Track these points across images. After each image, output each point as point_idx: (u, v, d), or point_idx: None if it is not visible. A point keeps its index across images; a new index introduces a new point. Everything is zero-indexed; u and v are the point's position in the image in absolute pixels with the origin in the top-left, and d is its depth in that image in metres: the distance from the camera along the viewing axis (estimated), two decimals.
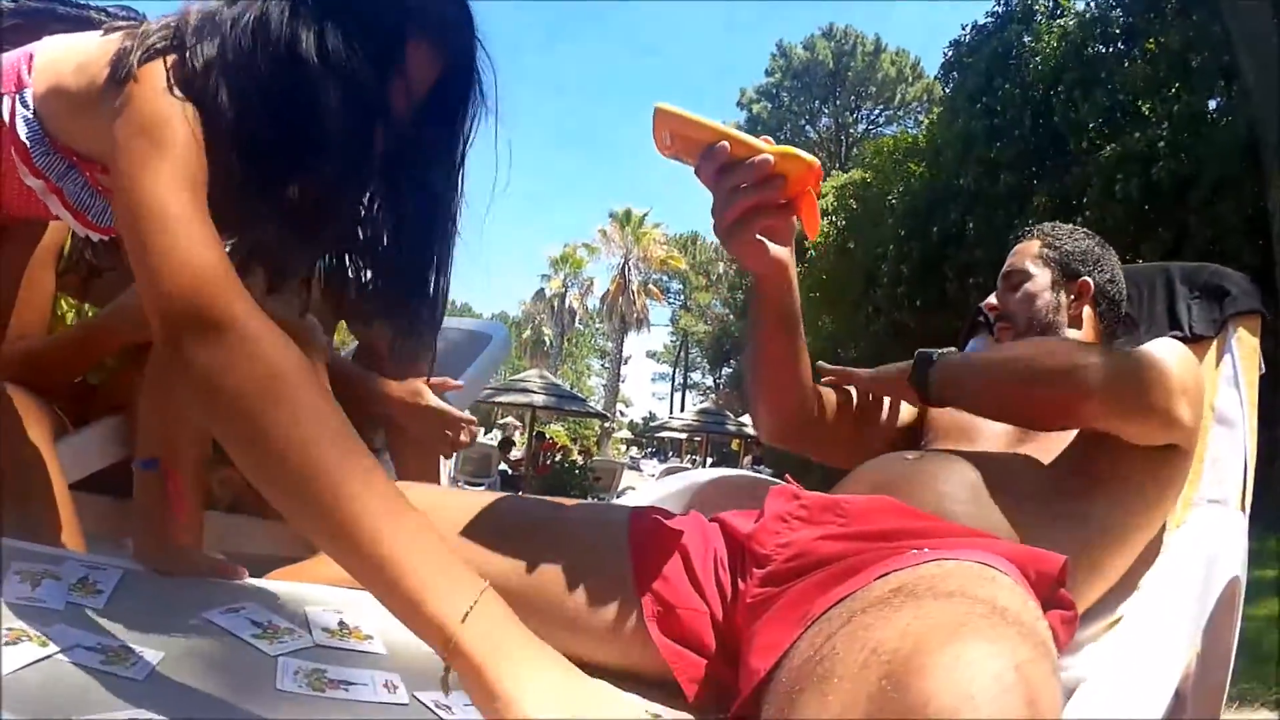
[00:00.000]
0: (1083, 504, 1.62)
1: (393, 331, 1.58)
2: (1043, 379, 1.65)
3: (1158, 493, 1.69)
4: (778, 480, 1.86)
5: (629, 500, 1.94)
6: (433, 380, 2.41)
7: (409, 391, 2.39)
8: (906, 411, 2.02)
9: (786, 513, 1.51)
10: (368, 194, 1.42)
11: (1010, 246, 2.22)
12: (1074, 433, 1.71)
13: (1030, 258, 2.12)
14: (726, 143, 1.37)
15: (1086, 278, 2.09)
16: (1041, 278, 2.08)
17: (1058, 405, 1.64)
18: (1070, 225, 2.21)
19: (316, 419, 1.02)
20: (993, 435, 1.81)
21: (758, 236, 1.50)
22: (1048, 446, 1.71)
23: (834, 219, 22.08)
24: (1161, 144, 14.19)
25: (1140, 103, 14.95)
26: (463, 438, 2.38)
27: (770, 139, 1.40)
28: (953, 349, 1.91)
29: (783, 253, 1.58)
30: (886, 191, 20.07)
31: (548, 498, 1.70)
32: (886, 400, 2.02)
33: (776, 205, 1.43)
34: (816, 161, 1.40)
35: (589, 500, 2.18)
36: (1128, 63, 15.69)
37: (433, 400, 2.39)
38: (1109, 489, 1.64)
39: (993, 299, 2.14)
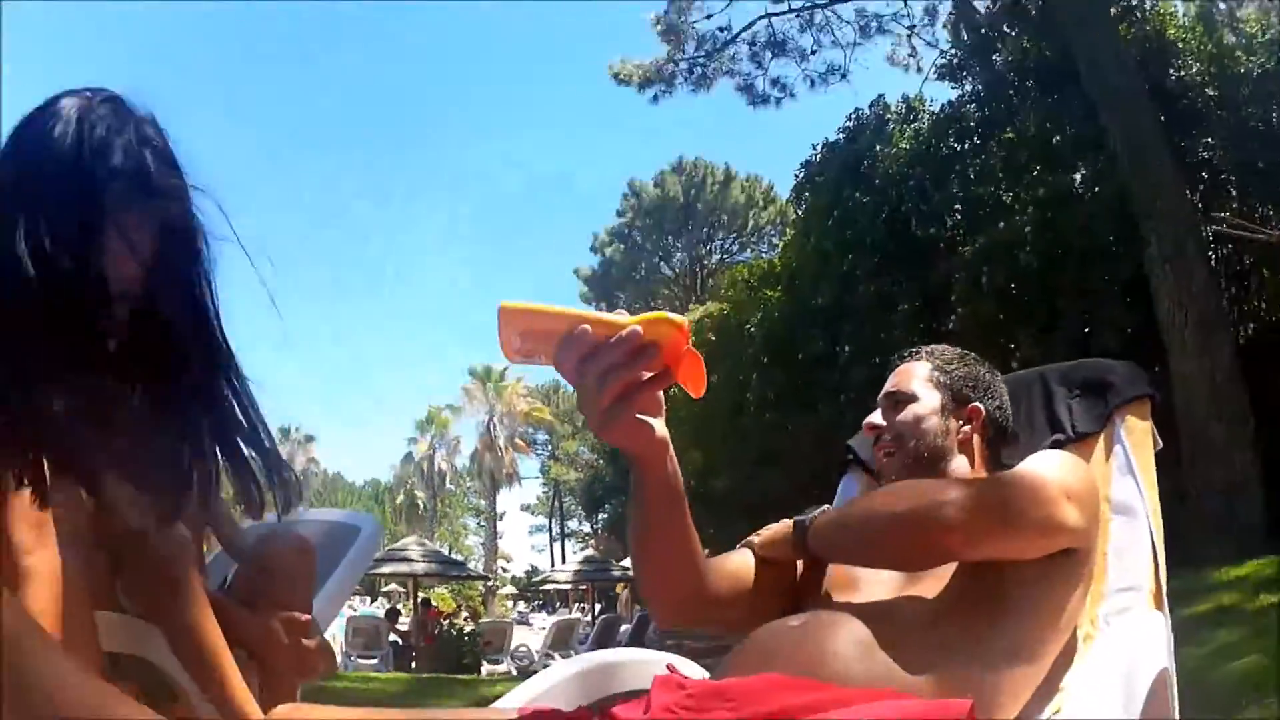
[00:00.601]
0: (981, 626, 1.60)
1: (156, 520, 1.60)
2: (908, 525, 1.64)
3: (1059, 597, 1.69)
4: (666, 655, 1.88)
5: (514, 697, 1.88)
6: (282, 616, 2.34)
7: (260, 626, 2.33)
8: (800, 567, 1.95)
9: (673, 703, 1.44)
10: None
11: (891, 365, 2.17)
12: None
13: (919, 380, 2.06)
14: (587, 325, 1.31)
15: (977, 404, 2.05)
16: (930, 400, 2.03)
17: (929, 548, 1.64)
18: (959, 350, 2.16)
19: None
20: (881, 581, 1.76)
21: (638, 416, 1.42)
22: (939, 576, 1.68)
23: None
24: (1026, 229, 14.33)
25: (1001, 193, 15.11)
26: (320, 666, 2.37)
27: (624, 311, 1.37)
28: (826, 507, 1.89)
29: (663, 428, 1.50)
30: (745, 320, 19.96)
31: (430, 713, 1.74)
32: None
33: (654, 377, 1.36)
34: (685, 320, 1.35)
35: (472, 708, 2.13)
36: (985, 155, 15.85)
37: (284, 638, 2.33)
38: (1006, 605, 1.63)
39: (876, 418, 2.05)
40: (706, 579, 1.77)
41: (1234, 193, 15.40)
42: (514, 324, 1.32)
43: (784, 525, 1.87)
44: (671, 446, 1.53)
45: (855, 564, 1.80)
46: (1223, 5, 20.34)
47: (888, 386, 2.08)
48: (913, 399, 2.01)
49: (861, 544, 1.73)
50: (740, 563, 1.89)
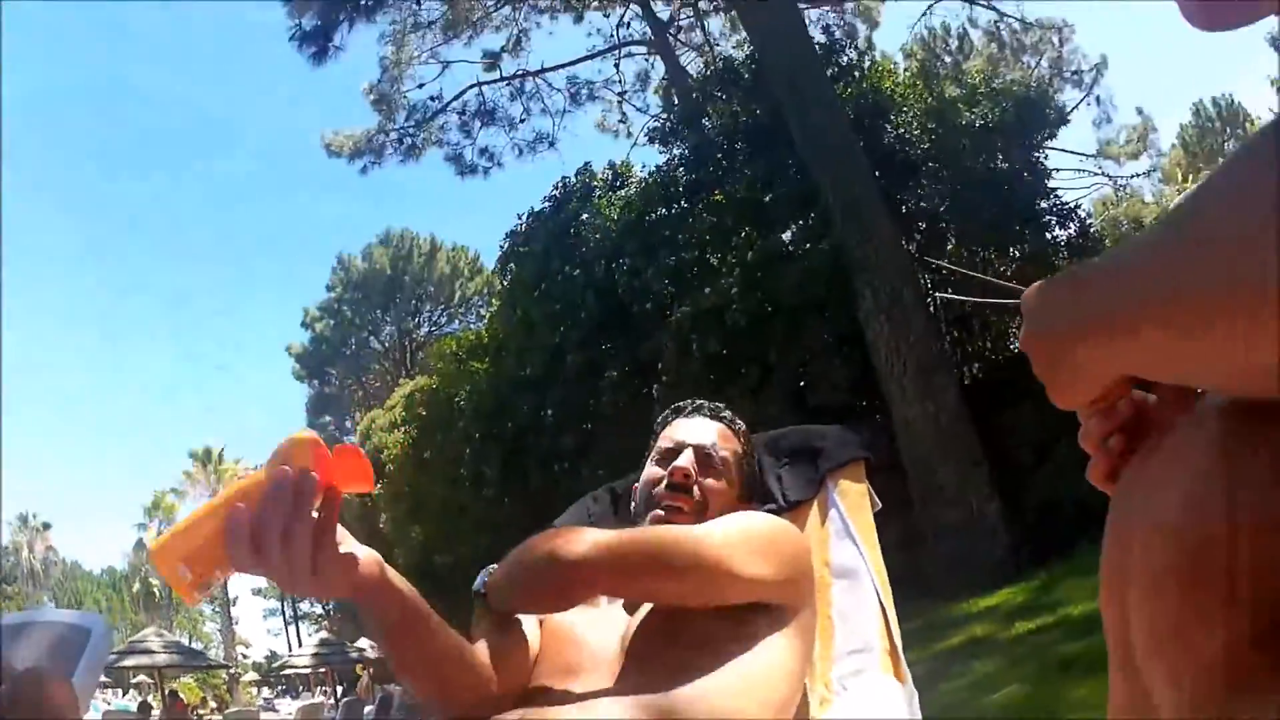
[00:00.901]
0: (700, 696, 1.59)
1: None
2: (545, 567, 1.68)
3: (777, 659, 1.71)
4: None
5: None
6: None
7: None
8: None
9: None
10: None
11: (686, 408, 2.22)
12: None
13: (732, 453, 2.12)
14: (239, 504, 1.22)
15: (754, 503, 2.12)
16: (732, 480, 2.07)
17: (563, 589, 1.69)
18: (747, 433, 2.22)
19: None
20: (603, 663, 1.75)
21: (341, 552, 1.33)
22: (658, 653, 1.68)
23: (407, 429, 21.46)
24: (734, 290, 14.16)
25: (709, 256, 14.91)
26: None
27: (251, 469, 1.31)
28: (493, 566, 1.84)
29: (366, 550, 1.40)
30: (455, 394, 19.39)
31: None
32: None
33: (325, 504, 1.29)
34: (309, 432, 1.30)
35: None
36: (693, 219, 15.63)
37: None
38: (721, 668, 1.62)
39: (688, 464, 2.02)
40: (486, 674, 1.66)
41: (953, 240, 15.76)
42: (171, 559, 1.22)
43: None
44: (383, 562, 1.44)
45: (526, 612, 1.80)
46: (947, 59, 20.99)
47: (704, 439, 2.09)
48: (725, 472, 2.07)
49: (520, 592, 1.74)
50: (515, 642, 1.78)
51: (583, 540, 1.64)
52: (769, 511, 2.19)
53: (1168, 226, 0.68)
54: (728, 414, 2.21)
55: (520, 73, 22.12)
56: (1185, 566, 0.66)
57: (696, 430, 2.13)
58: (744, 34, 17.58)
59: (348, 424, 42.09)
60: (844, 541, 2.25)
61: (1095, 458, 0.96)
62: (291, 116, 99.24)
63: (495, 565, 1.84)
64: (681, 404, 2.26)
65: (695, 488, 2.02)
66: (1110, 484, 0.92)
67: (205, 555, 1.22)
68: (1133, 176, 23.95)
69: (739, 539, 1.74)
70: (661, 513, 1.99)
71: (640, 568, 1.67)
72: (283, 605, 61.02)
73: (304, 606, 60.15)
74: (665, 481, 2.04)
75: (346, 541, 1.37)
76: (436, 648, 1.56)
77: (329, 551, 1.28)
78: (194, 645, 35.08)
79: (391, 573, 1.45)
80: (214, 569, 1.24)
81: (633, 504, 2.18)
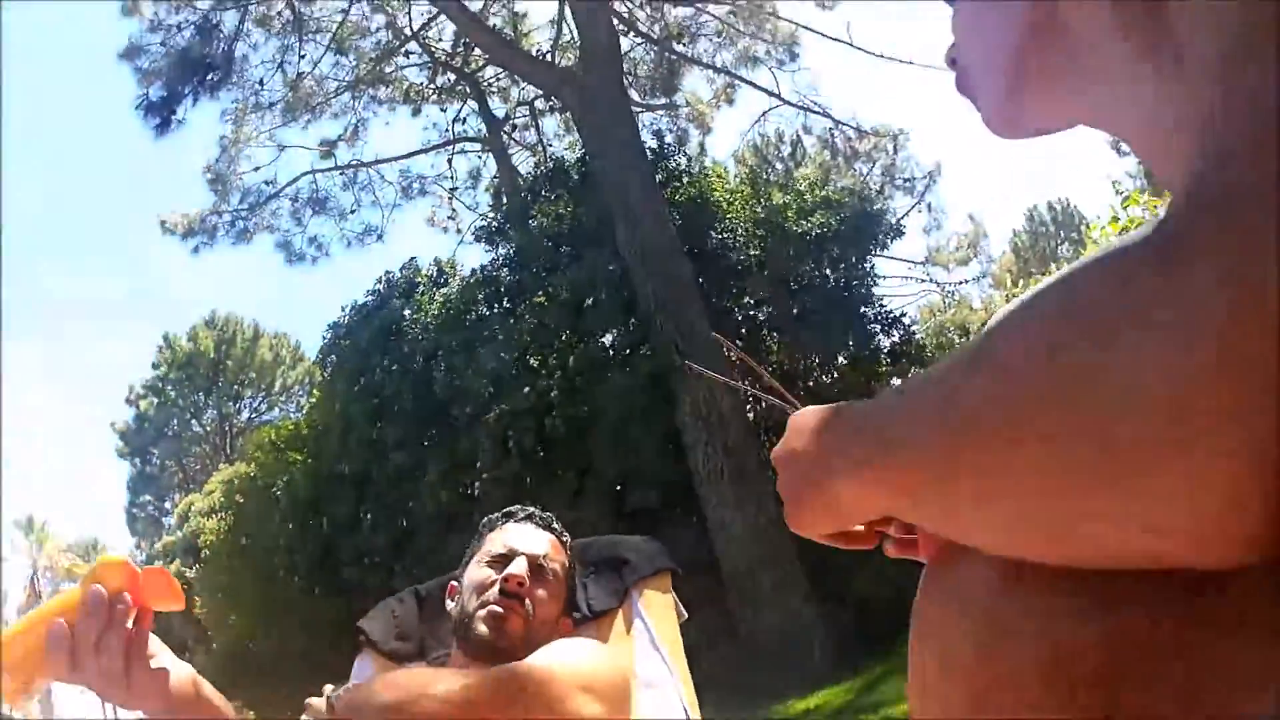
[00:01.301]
0: None
1: None
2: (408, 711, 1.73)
3: None
4: None
5: None
6: None
7: None
8: None
9: None
10: None
11: (519, 515, 2.25)
12: None
13: (562, 566, 2.18)
14: (60, 620, 1.32)
15: (569, 618, 2.19)
16: (560, 594, 2.14)
17: None
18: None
19: None
20: None
21: (154, 667, 1.40)
22: None
23: (223, 516, 20.92)
24: (554, 393, 14.14)
25: (529, 357, 14.80)
26: None
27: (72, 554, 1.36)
28: (337, 692, 1.84)
29: (180, 665, 1.48)
30: (271, 484, 18.90)
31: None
32: None
33: (137, 621, 1.38)
34: (120, 556, 1.39)
35: None
36: (514, 320, 15.55)
37: None
38: None
39: (522, 572, 2.08)
40: None
41: (776, 347, 15.80)
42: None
43: (317, 700, 1.84)
44: (200, 678, 1.51)
45: None
46: (779, 166, 21.34)
47: (537, 549, 2.16)
48: (556, 584, 2.15)
49: None
50: None
51: (436, 686, 1.75)
52: (575, 619, 2.30)
53: (955, 364, 0.65)
54: (557, 525, 2.29)
55: (355, 162, 21.94)
56: (976, 706, 0.65)
57: (529, 539, 2.19)
58: (577, 135, 17.66)
59: (167, 505, 40.99)
60: (649, 652, 2.27)
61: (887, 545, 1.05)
62: (133, 190, 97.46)
63: (346, 689, 1.86)
64: (513, 509, 2.30)
65: (526, 597, 2.06)
66: (912, 550, 1.03)
67: (27, 665, 1.32)
68: (961, 283, 24.40)
69: (573, 679, 1.81)
70: (499, 610, 2.03)
71: (487, 707, 1.74)
72: (103, 705, 59.74)
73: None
74: (498, 586, 2.07)
75: (161, 656, 1.44)
76: None
77: (141, 665, 1.37)
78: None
79: (208, 689, 1.51)
80: (35, 677, 1.34)
81: (451, 603, 2.20)
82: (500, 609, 2.03)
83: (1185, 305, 0.49)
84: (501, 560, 2.12)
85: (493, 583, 2.08)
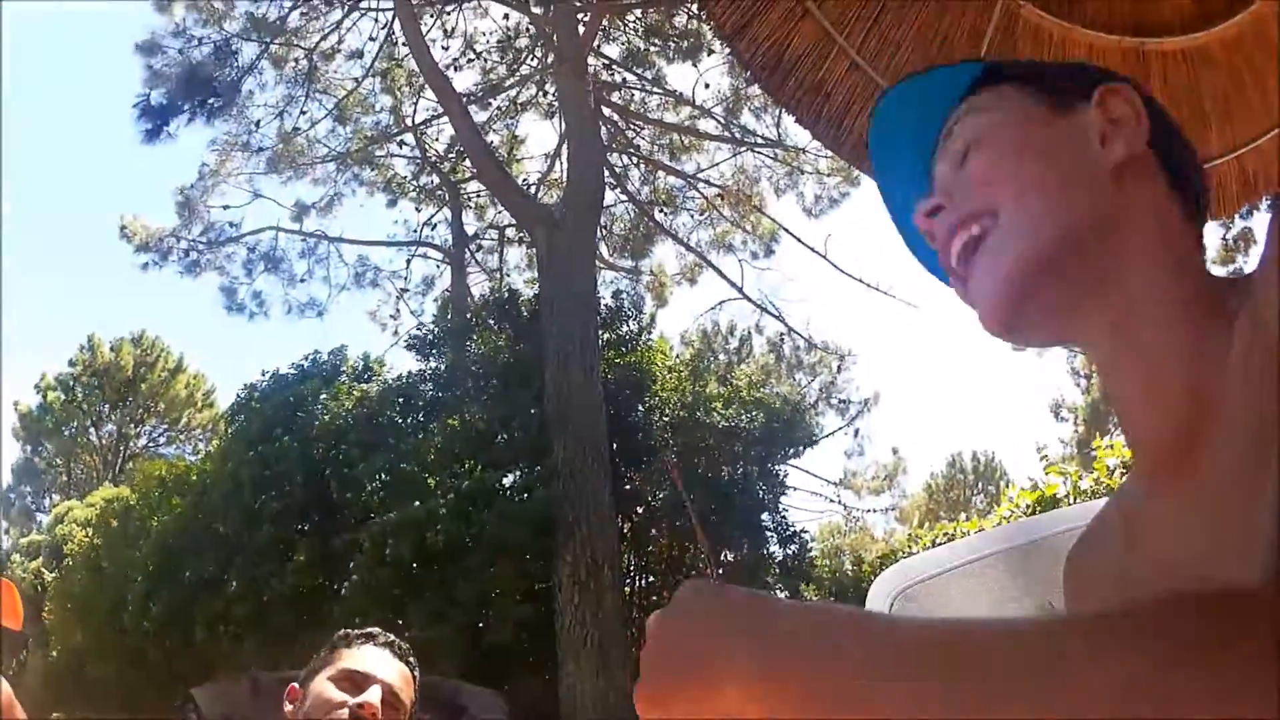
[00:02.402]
0: None
1: None
2: None
3: None
4: None
5: None
6: None
7: None
8: None
9: None
10: None
11: (377, 639, 2.20)
12: None
13: (408, 695, 2.13)
14: None
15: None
16: (408, 709, 2.10)
17: None
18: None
19: None
20: None
21: None
22: None
23: (95, 531, 20.65)
24: (442, 511, 14.01)
25: (426, 474, 14.75)
26: None
27: None
28: None
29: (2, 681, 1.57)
30: (148, 517, 18.65)
31: None
32: None
33: None
34: None
35: None
36: (422, 435, 15.54)
37: None
38: None
39: (375, 699, 2.01)
40: None
41: (667, 530, 15.81)
42: None
43: None
44: (16, 703, 1.60)
45: None
46: (722, 357, 21.52)
47: (393, 680, 2.10)
48: (404, 716, 2.09)
49: None
50: None
51: None
52: None
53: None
54: (413, 659, 2.21)
55: (319, 233, 22.06)
56: None
57: (386, 667, 2.12)
58: (537, 274, 17.84)
59: (44, 502, 39.90)
60: None
61: None
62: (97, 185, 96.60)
63: None
64: (373, 631, 2.22)
65: None
66: None
67: None
68: (869, 511, 24.39)
69: None
70: None
71: None
72: None
73: None
74: (348, 711, 2.00)
75: None
76: None
77: None
78: None
79: (19, 712, 1.60)
80: None
81: (289, 706, 2.11)
82: None
83: None
84: (354, 682, 2.06)
85: (343, 705, 2.01)
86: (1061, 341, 1.04)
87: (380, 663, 2.12)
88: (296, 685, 2.14)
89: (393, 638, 2.22)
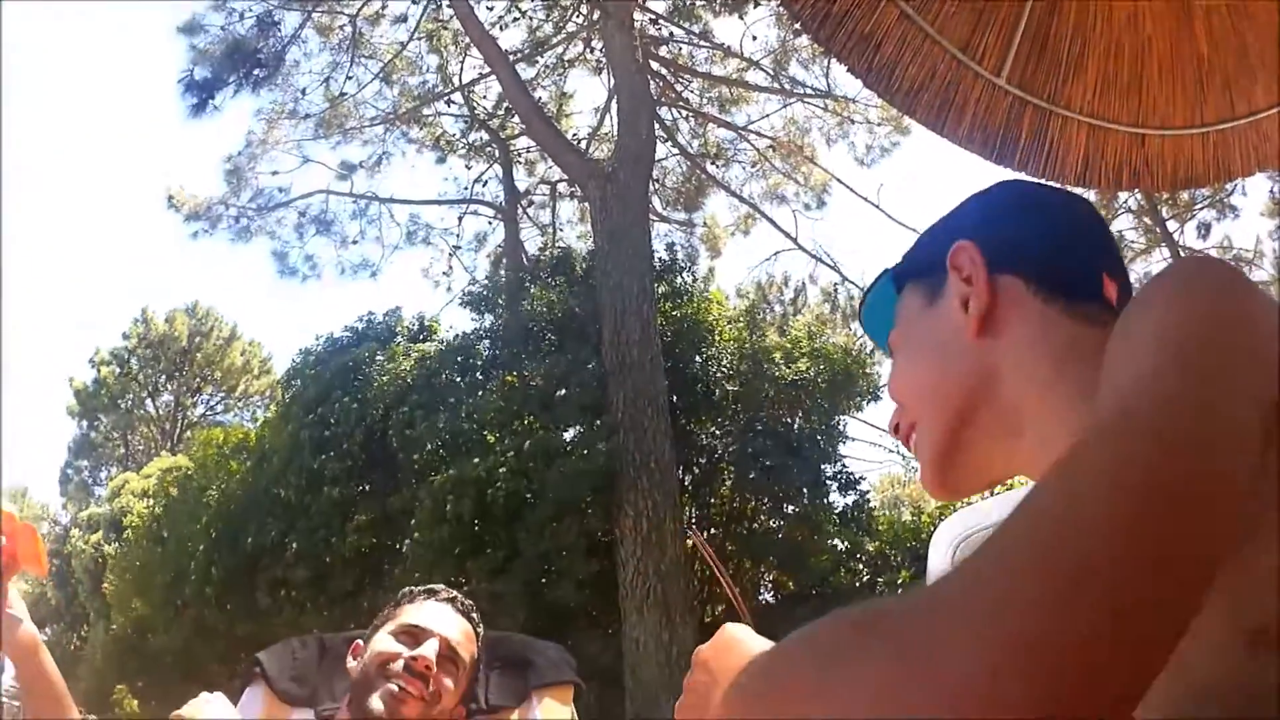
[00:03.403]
0: None
1: None
2: None
3: None
4: None
5: None
6: None
7: None
8: None
9: None
10: None
11: (438, 596, 2.22)
12: None
13: (470, 652, 2.15)
14: None
15: (463, 707, 2.15)
16: (463, 679, 2.10)
17: None
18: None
19: None
20: None
21: (8, 612, 1.56)
22: None
23: (154, 502, 20.68)
24: (502, 469, 14.03)
25: (486, 432, 14.75)
26: None
27: None
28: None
29: (30, 625, 1.60)
30: (207, 485, 18.73)
31: None
32: None
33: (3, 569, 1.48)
34: (9, 509, 1.48)
35: None
36: (481, 393, 15.50)
37: None
38: None
39: (431, 653, 2.03)
40: None
41: (729, 482, 15.77)
42: None
43: None
44: (44, 648, 1.63)
45: None
46: (777, 308, 21.41)
47: (452, 634, 2.11)
48: (463, 674, 2.11)
49: None
50: None
51: None
52: (470, 709, 2.29)
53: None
54: (475, 615, 2.23)
55: (369, 194, 21.97)
56: None
57: (445, 621, 2.14)
58: (590, 228, 17.74)
59: (102, 475, 40.39)
60: None
61: None
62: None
63: None
64: (435, 587, 2.25)
65: (431, 681, 2.02)
66: None
67: None
68: None
69: None
70: (394, 689, 1.99)
71: None
72: None
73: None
74: (404, 663, 2.03)
75: (16, 609, 1.58)
76: None
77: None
78: None
79: (48, 658, 1.64)
80: None
81: (353, 662, 2.16)
82: (400, 689, 2.00)
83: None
84: (413, 636, 2.09)
85: (398, 656, 2.04)
86: (1002, 482, 1.17)
87: (439, 617, 2.15)
88: (360, 643, 2.20)
89: (455, 594, 2.25)
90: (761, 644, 1.07)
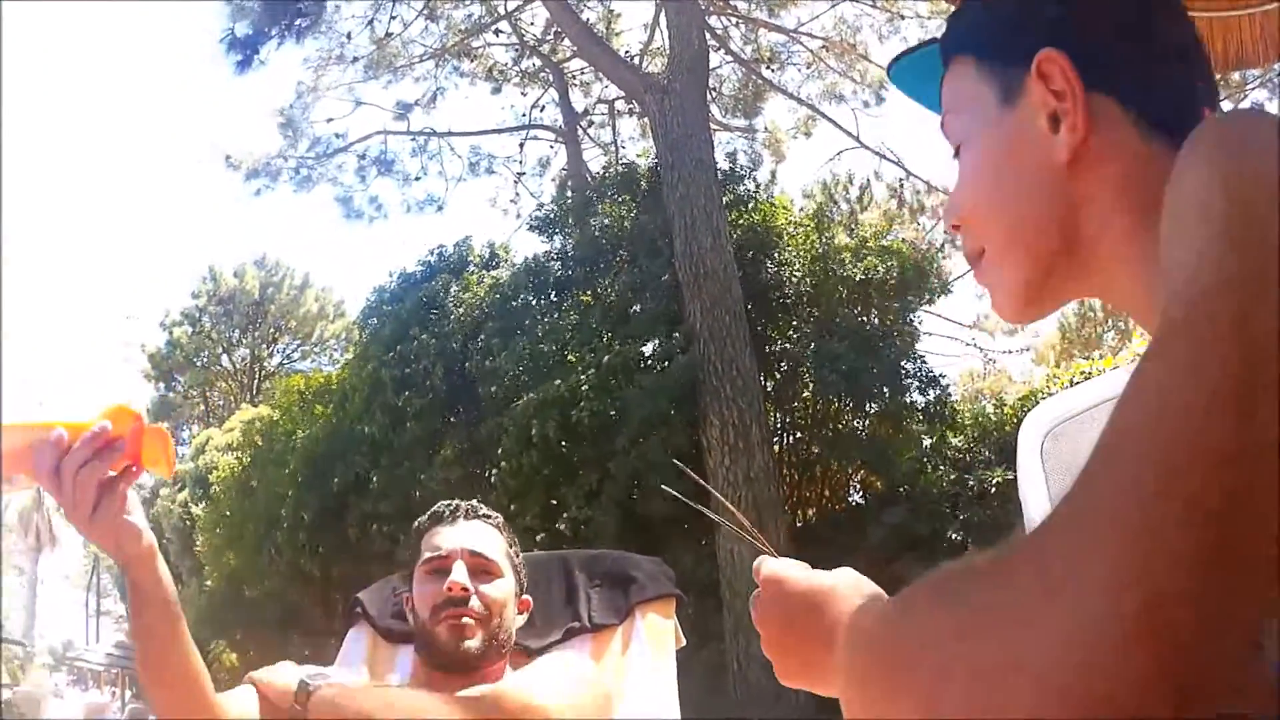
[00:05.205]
0: None
1: None
2: None
3: None
4: None
5: None
6: None
7: None
8: None
9: None
10: None
11: (446, 511, 2.16)
12: None
13: (501, 554, 2.11)
14: (62, 430, 1.41)
15: (528, 597, 2.17)
16: (510, 583, 2.09)
17: None
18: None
19: None
20: None
21: (125, 517, 1.51)
22: None
23: (240, 455, 21.00)
24: (584, 388, 14.04)
25: (566, 352, 14.79)
26: None
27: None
28: (328, 673, 1.94)
29: (150, 534, 1.56)
30: (291, 431, 18.93)
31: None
32: None
33: (124, 471, 1.47)
34: (138, 410, 1.47)
35: None
36: (558, 314, 15.57)
37: None
38: None
39: (463, 578, 2.00)
40: (207, 694, 1.71)
41: (810, 385, 15.59)
42: None
43: (287, 679, 1.87)
44: (160, 555, 1.59)
45: None
46: (844, 206, 21.26)
47: (472, 544, 2.07)
48: (500, 574, 2.06)
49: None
50: (240, 709, 1.84)
51: (409, 708, 1.79)
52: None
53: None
54: (484, 510, 2.19)
55: (427, 130, 21.98)
56: None
57: (462, 536, 2.09)
58: (651, 143, 17.64)
59: (184, 435, 41.08)
60: (644, 675, 2.28)
61: None
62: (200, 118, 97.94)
63: (327, 678, 1.90)
64: (438, 509, 2.18)
65: (474, 598, 1.99)
66: None
67: (17, 457, 1.42)
68: (1005, 353, 23.94)
69: (552, 706, 1.80)
70: (448, 627, 1.97)
71: None
72: (86, 596, 58.88)
73: (107, 604, 59.25)
74: (444, 599, 1.99)
75: (136, 513, 1.52)
76: (180, 661, 1.65)
77: (110, 506, 1.46)
78: None
79: (162, 566, 1.58)
80: (19, 471, 1.45)
81: (411, 615, 2.12)
82: (455, 619, 1.98)
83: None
84: (439, 566, 2.06)
85: (436, 595, 2.03)
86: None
87: (454, 535, 2.10)
88: (408, 595, 2.15)
89: (457, 503, 2.20)
90: (802, 568, 1.17)
